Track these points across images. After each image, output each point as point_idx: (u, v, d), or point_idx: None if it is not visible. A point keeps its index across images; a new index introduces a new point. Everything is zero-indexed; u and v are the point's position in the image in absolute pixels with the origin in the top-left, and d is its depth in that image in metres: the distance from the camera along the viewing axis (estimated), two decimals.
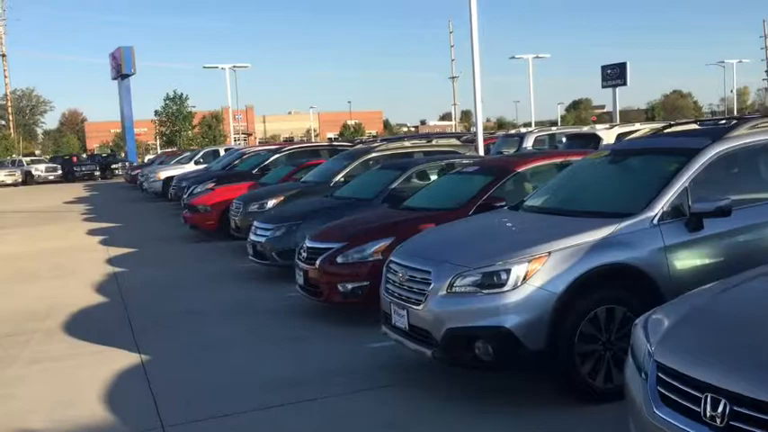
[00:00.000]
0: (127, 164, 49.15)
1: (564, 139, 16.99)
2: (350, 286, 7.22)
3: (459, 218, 7.39)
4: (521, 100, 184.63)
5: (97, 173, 49.07)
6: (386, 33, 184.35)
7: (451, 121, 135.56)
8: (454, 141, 13.61)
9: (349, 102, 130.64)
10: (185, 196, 17.70)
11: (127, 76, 55.63)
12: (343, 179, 12.31)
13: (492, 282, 4.65)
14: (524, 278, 4.58)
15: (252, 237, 10.22)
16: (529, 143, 16.63)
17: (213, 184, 17.13)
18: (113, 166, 51.17)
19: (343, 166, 12.64)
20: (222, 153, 27.86)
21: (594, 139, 14.95)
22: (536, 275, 4.58)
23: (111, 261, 12.67)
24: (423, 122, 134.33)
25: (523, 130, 19.80)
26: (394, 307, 5.29)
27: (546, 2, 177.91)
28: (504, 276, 4.62)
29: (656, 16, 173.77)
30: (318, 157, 17.83)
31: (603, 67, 68.24)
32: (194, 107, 59.83)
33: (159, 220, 19.27)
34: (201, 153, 28.58)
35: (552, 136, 17.31)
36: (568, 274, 4.57)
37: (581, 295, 4.60)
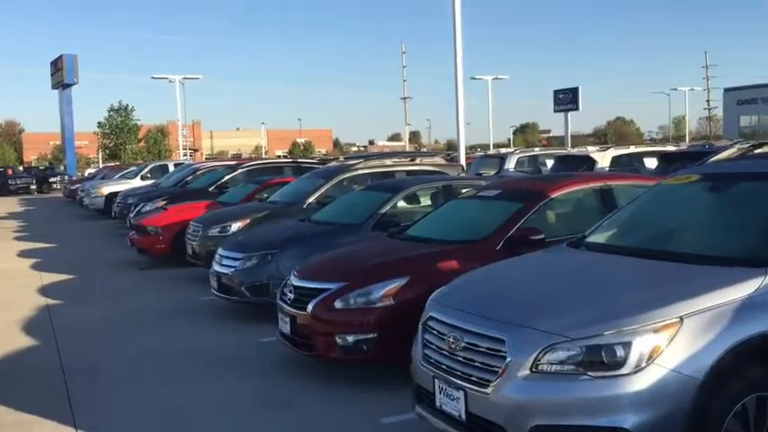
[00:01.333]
0: (66, 177, 46.44)
1: (548, 162, 15.84)
2: (351, 339, 5.71)
3: (485, 253, 6.02)
4: (471, 122, 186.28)
5: (33, 186, 46.19)
6: (337, 51, 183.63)
7: (400, 141, 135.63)
8: (439, 161, 12.27)
9: (299, 119, 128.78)
10: (132, 215, 15.90)
11: (69, 85, 53.00)
12: (316, 201, 10.83)
13: (601, 360, 3.24)
14: (650, 356, 3.18)
15: (216, 267, 8.62)
16: (511, 164, 15.47)
17: (164, 203, 15.38)
18: (51, 179, 48.29)
19: (318, 185, 11.14)
20: (172, 168, 26.04)
21: (586, 162, 13.83)
22: (667, 352, 3.19)
23: (43, 291, 10.83)
24: (371, 142, 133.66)
25: (503, 150, 18.68)
26: (440, 384, 3.82)
27: (499, 22, 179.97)
28: (620, 353, 3.21)
29: (604, 44, 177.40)
30: (282, 175, 16.31)
31: (556, 92, 68.49)
32: (139, 120, 57.31)
33: (102, 241, 17.35)
34: (149, 168, 26.61)
35: (535, 157, 16.18)
36: (712, 350, 3.19)
37: (727, 380, 3.22)
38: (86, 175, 50.79)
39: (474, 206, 7.14)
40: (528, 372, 3.36)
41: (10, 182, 45.53)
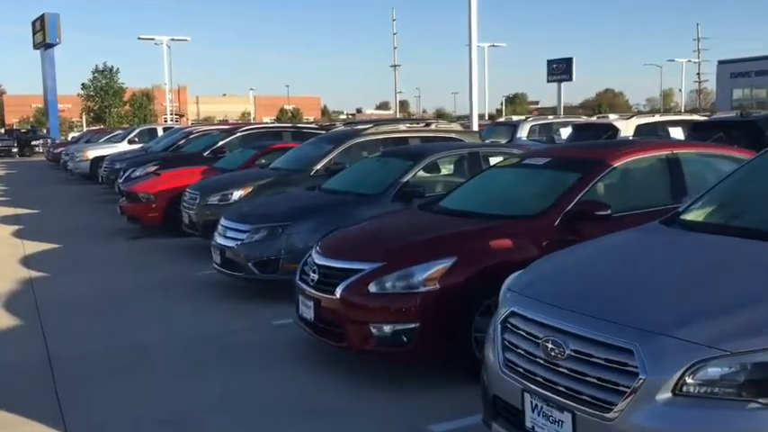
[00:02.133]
0: (49, 141, 45.03)
1: (563, 130, 14.99)
2: (389, 329, 4.89)
3: (540, 230, 5.22)
4: (459, 91, 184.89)
5: (15, 149, 44.76)
6: (326, 17, 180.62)
7: (388, 110, 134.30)
8: (456, 127, 11.39)
9: (287, 86, 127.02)
10: (121, 181, 14.93)
11: (51, 45, 51.12)
12: (324, 168, 9.97)
13: None
14: None
15: (219, 239, 7.76)
16: (523, 132, 14.61)
17: (156, 168, 14.43)
18: (34, 143, 46.87)
19: (325, 151, 10.24)
20: (161, 132, 24.94)
21: (609, 130, 13.00)
22: None
23: (26, 261, 9.93)
24: (359, 110, 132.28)
25: (515, 118, 17.85)
26: (534, 400, 3.02)
27: None
28: None
29: (598, 16, 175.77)
30: (282, 140, 15.38)
31: (549, 62, 67.57)
32: (124, 83, 55.65)
33: (87, 208, 16.38)
34: (136, 131, 25.47)
35: (549, 125, 15.30)
36: None
37: None
38: (70, 138, 49.42)
39: (518, 176, 6.29)
40: (670, 395, 2.56)
41: None
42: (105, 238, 11.91)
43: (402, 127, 11.04)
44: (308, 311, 5.41)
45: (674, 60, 65.80)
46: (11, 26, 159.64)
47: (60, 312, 7.28)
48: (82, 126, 68.50)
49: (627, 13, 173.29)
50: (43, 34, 50.28)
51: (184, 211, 10.28)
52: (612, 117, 14.97)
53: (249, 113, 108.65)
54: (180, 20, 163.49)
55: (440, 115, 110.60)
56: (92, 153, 23.45)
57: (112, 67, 51.17)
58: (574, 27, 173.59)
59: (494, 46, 48.37)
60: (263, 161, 12.18)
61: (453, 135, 10.99)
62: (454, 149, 8.73)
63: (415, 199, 7.31)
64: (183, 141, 17.42)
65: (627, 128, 13.22)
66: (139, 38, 38.27)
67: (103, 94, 51.16)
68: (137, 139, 24.34)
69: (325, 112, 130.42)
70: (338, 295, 5.08)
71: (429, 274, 4.89)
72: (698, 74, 78.58)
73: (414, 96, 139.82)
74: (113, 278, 8.89)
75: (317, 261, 5.48)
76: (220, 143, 14.90)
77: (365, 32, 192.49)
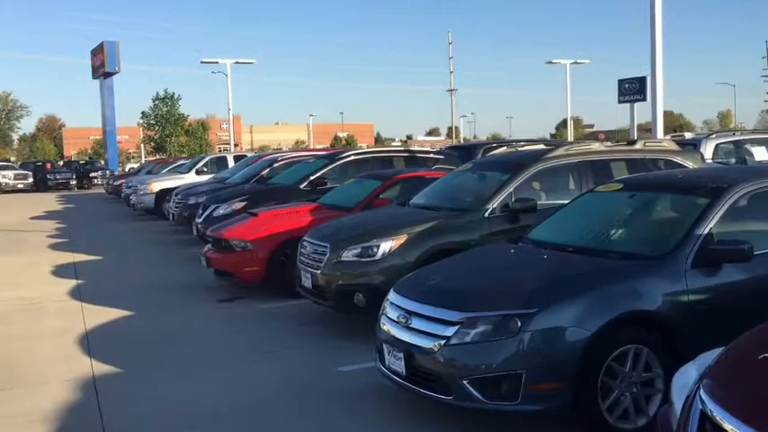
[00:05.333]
0: (108, 172, 43.27)
1: (756, 150, 11.73)
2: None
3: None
4: (514, 116, 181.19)
5: (73, 182, 43.10)
6: (379, 43, 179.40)
7: (439, 136, 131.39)
8: (669, 145, 8.25)
9: (341, 113, 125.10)
10: (200, 220, 12.15)
11: (110, 74, 49.80)
12: (501, 207, 7.00)
13: None
14: None
15: (395, 329, 4.72)
16: (708, 152, 11.39)
17: (243, 204, 11.63)
18: (92, 174, 45.22)
19: (500, 182, 7.24)
20: (231, 161, 22.38)
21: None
22: None
23: (88, 344, 7.08)
24: (409, 137, 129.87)
25: (689, 134, 14.72)
26: None
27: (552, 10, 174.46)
28: None
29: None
30: (391, 166, 12.49)
31: (621, 81, 63.60)
32: (185, 113, 53.86)
33: (157, 253, 13.65)
34: (205, 160, 22.93)
35: (738, 143, 12.04)
36: None
37: None
38: (128, 169, 47.68)
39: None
40: None
41: (49, 177, 42.53)
42: (189, 301, 9.06)
43: (597, 146, 7.94)
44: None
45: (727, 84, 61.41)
46: (70, 57, 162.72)
47: None
48: (140, 157, 67.37)
49: (683, 30, 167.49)
50: (102, 62, 48.99)
51: (304, 270, 7.31)
52: (689, 136, 12.54)
53: (303, 142, 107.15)
54: (225, 50, 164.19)
55: (495, 140, 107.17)
56: (157, 185, 20.91)
57: (173, 93, 49.39)
58: (615, 46, 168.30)
59: (576, 63, 45.04)
60: (395, 196, 9.27)
61: (669, 157, 7.87)
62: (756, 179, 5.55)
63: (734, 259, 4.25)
64: (266, 171, 14.64)
65: (705, 148, 11.25)
66: (202, 61, 36.15)
67: (164, 123, 49.26)
68: (205, 169, 21.79)
69: (378, 138, 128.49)
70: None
71: None
72: None
73: (467, 121, 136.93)
74: (214, 375, 5.97)
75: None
76: (319, 173, 12.01)
77: (418, 57, 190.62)
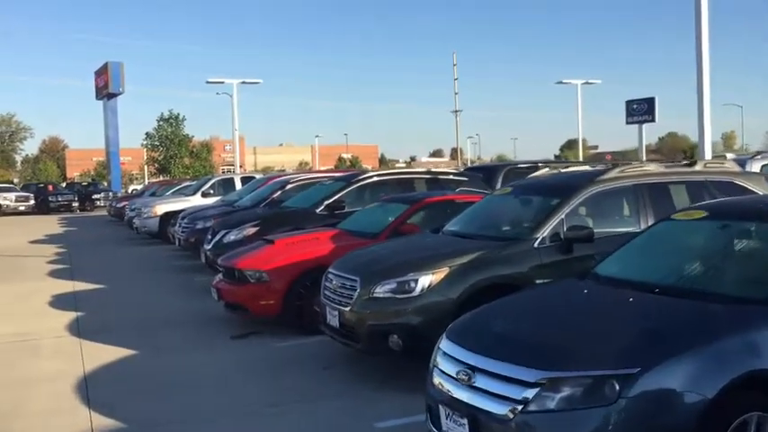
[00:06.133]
0: (111, 194, 42.59)
1: None
2: None
3: None
4: (518, 137, 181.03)
5: (76, 204, 42.38)
6: (385, 63, 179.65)
7: (442, 157, 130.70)
8: (731, 166, 7.48)
9: (345, 134, 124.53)
10: (209, 246, 11.38)
11: (114, 95, 49.40)
12: (551, 235, 6.25)
13: None
14: None
15: (454, 388, 3.92)
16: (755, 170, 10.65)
17: (255, 229, 10.86)
18: (95, 196, 44.54)
19: (549, 207, 6.48)
20: (238, 183, 21.66)
21: None
22: None
23: (87, 395, 6.25)
24: (413, 158, 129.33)
25: (730, 155, 14.02)
26: None
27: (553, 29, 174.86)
28: None
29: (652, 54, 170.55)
30: (412, 188, 11.71)
31: (629, 102, 63.01)
32: (190, 134, 53.24)
33: (162, 282, 12.86)
34: (211, 182, 22.19)
35: None
36: None
37: None
38: (131, 191, 47.01)
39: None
40: None
41: (51, 199, 41.78)
42: (197, 337, 8.26)
43: (653, 168, 7.17)
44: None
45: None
46: (73, 79, 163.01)
47: None
48: (143, 178, 66.73)
49: (686, 51, 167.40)
50: (106, 83, 48.58)
51: (330, 307, 6.51)
52: (730, 157, 11.87)
53: (307, 163, 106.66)
54: (229, 71, 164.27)
55: (501, 161, 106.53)
56: (161, 208, 20.16)
57: (178, 114, 48.82)
58: (615, 67, 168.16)
59: (587, 83, 44.41)
60: (421, 222, 8.51)
61: (732, 179, 7.10)
62: None
63: None
64: (278, 193, 13.87)
65: (751, 168, 10.70)
66: (208, 81, 35.44)
67: (168, 144, 48.65)
68: (212, 192, 21.02)
69: (382, 160, 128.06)
70: None
71: None
72: None
73: (472, 143, 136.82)
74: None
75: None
76: (337, 196, 11.23)
77: (424, 78, 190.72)
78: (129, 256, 17.46)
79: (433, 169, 12.85)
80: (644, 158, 49.61)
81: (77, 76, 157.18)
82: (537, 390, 3.48)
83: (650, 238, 4.95)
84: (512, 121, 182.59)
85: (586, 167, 8.20)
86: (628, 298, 4.10)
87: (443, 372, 4.06)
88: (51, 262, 16.21)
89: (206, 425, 5.35)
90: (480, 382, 3.74)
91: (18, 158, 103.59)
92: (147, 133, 50.00)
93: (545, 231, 6.23)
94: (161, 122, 49.27)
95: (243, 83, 36.01)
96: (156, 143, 49.62)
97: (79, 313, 9.78)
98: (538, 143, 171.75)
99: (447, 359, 4.07)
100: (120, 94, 49.27)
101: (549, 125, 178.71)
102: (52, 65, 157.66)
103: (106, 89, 48.80)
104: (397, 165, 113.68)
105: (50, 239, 22.76)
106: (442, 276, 5.90)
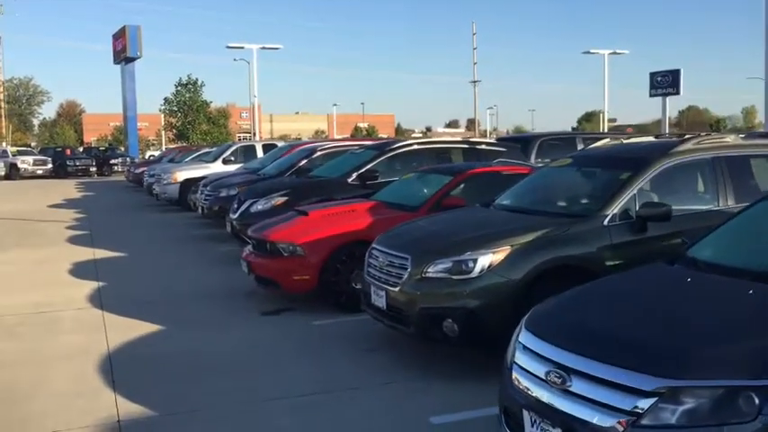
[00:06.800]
0: (128, 159, 42.20)
1: None
2: None
3: None
4: (536, 108, 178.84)
5: (93, 168, 42.10)
6: (402, 30, 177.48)
7: (458, 128, 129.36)
8: None
9: (362, 103, 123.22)
10: (235, 216, 10.86)
11: (132, 59, 48.79)
12: (621, 212, 5.67)
13: None
14: None
15: (539, 391, 3.37)
16: None
17: (284, 199, 10.32)
18: (112, 161, 44.20)
19: (619, 181, 5.87)
20: (260, 150, 21.09)
21: None
22: None
23: (112, 376, 5.78)
24: (428, 129, 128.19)
25: None
26: None
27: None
28: None
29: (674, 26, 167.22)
30: (448, 159, 11.13)
31: (653, 74, 61.56)
32: (210, 101, 52.54)
33: (187, 249, 12.39)
34: (233, 149, 21.67)
35: None
36: None
37: None
38: (149, 157, 46.57)
39: None
40: None
41: (68, 163, 41.53)
42: (226, 313, 7.76)
43: (732, 139, 6.51)
44: None
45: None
46: (90, 44, 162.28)
47: None
48: (160, 144, 66.30)
49: (709, 24, 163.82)
50: (124, 47, 47.97)
51: (375, 286, 5.96)
52: None
53: (323, 132, 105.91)
54: (248, 37, 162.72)
55: (518, 133, 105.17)
56: (181, 175, 19.69)
57: (197, 79, 48.08)
58: (645, 39, 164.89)
59: (615, 53, 43.26)
60: (469, 196, 7.91)
61: None
62: None
63: None
64: (305, 162, 13.31)
65: None
66: (228, 46, 34.75)
67: (187, 110, 48.01)
68: (233, 159, 20.50)
69: (398, 130, 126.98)
70: None
71: None
72: None
73: (490, 114, 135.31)
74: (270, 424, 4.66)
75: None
76: (369, 165, 10.64)
77: (442, 47, 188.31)
78: (148, 223, 17.02)
79: (471, 139, 12.18)
80: (667, 131, 48.51)
81: (95, 40, 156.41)
82: (654, 400, 2.92)
83: (756, 216, 4.33)
84: (529, 93, 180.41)
85: (650, 138, 7.53)
86: (747, 289, 3.51)
87: (526, 370, 3.51)
88: (70, 227, 15.80)
89: (240, 415, 4.85)
90: (578, 386, 3.18)
91: (35, 122, 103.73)
92: (165, 98, 49.43)
93: (615, 208, 5.63)
94: (179, 88, 48.65)
95: (263, 48, 35.26)
96: (175, 108, 49.05)
97: (101, 283, 9.32)
98: (555, 115, 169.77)
99: (530, 356, 3.52)
100: (137, 58, 48.64)
101: (566, 98, 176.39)
102: (70, 28, 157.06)
103: (124, 53, 48.21)
104: (413, 135, 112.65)
105: (69, 204, 22.39)
106: (504, 256, 5.32)
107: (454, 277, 5.34)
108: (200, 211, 14.39)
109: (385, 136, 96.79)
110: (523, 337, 3.69)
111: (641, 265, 5.28)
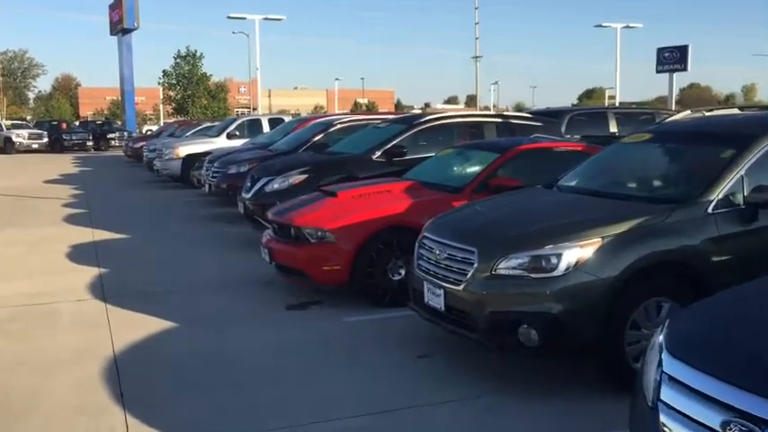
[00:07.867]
0: (126, 134, 41.09)
1: None
2: None
3: None
4: (537, 85, 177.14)
5: (90, 143, 41.06)
6: (403, 5, 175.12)
7: (457, 104, 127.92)
8: None
9: (362, 78, 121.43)
10: (248, 195, 9.92)
11: (128, 30, 47.34)
12: (724, 194, 4.76)
13: None
14: None
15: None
16: None
17: (303, 177, 9.39)
18: (109, 135, 43.12)
19: (722, 161, 4.97)
20: (266, 124, 20.12)
21: None
22: None
23: (119, 385, 4.88)
24: (427, 105, 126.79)
25: None
26: None
27: None
28: None
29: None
30: (481, 134, 10.21)
31: (660, 50, 60.38)
32: (210, 74, 51.20)
33: (194, 231, 11.47)
34: (238, 123, 20.65)
35: None
36: None
37: None
38: (146, 131, 45.45)
39: None
40: None
41: (64, 137, 40.46)
42: (244, 306, 6.87)
43: None
44: None
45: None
46: (86, 15, 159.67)
47: None
48: (158, 119, 65.00)
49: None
50: (120, 18, 46.57)
51: (431, 283, 5.04)
52: None
53: (322, 107, 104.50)
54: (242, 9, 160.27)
55: (519, 109, 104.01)
56: (184, 150, 18.73)
57: (195, 51, 46.73)
58: (647, 14, 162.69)
59: (627, 27, 42.08)
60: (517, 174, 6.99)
61: None
62: None
63: None
64: (321, 136, 12.35)
65: None
66: (229, 16, 33.63)
67: (186, 83, 46.75)
68: (237, 133, 19.51)
69: (398, 105, 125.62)
70: None
71: None
72: None
73: (490, 90, 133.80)
74: None
75: None
76: (396, 140, 9.68)
77: (438, 22, 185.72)
78: (150, 200, 16.06)
79: (506, 113, 11.23)
80: (673, 107, 47.55)
81: (91, 11, 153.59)
82: None
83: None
84: (529, 69, 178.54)
85: (735, 110, 6.60)
86: None
87: (685, 415, 2.61)
88: (67, 205, 14.86)
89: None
90: None
91: (31, 95, 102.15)
92: (163, 71, 48.16)
93: (720, 192, 4.71)
94: (178, 60, 47.34)
95: (265, 19, 34.06)
96: (173, 81, 47.78)
97: (102, 269, 8.41)
98: (556, 91, 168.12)
99: (690, 396, 2.61)
100: (135, 29, 47.20)
101: (565, 74, 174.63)
102: None
103: (121, 24, 46.77)
104: (413, 110, 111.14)
105: (65, 179, 21.43)
106: (594, 250, 4.41)
107: (532, 275, 4.42)
108: (206, 188, 13.45)
109: (385, 111, 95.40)
110: (671, 366, 2.77)
111: (753, 260, 4.45)
